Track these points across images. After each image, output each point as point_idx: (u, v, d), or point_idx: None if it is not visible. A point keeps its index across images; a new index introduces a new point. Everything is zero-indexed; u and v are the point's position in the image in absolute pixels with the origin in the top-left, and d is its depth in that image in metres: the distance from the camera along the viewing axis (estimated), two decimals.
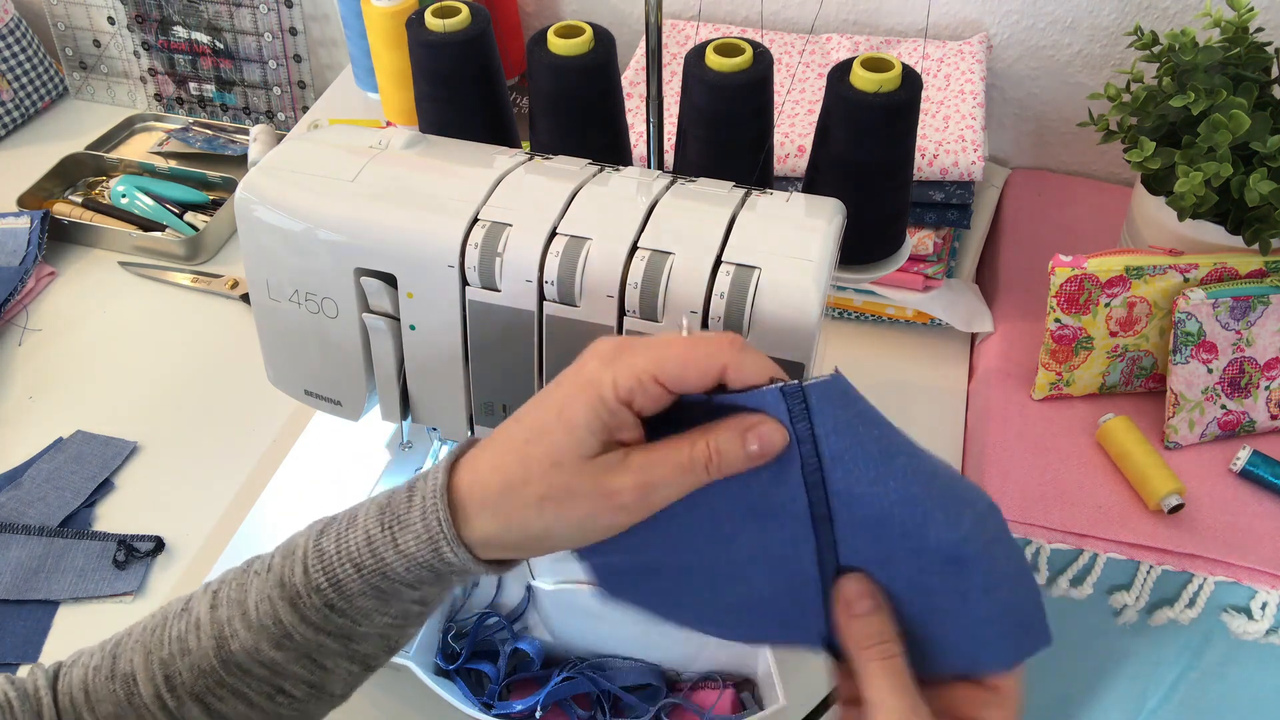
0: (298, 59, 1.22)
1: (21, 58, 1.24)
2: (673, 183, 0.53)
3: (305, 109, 1.24)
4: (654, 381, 0.40)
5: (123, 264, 1.06)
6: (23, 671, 0.47)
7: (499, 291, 0.54)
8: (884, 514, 0.40)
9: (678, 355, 0.41)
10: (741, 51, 0.60)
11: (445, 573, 0.44)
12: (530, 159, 0.55)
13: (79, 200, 1.12)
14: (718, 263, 0.48)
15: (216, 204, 1.12)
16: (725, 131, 0.62)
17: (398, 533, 0.43)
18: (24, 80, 1.25)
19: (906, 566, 0.41)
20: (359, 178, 0.53)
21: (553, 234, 0.53)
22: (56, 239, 1.08)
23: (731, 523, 0.43)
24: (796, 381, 0.40)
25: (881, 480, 0.40)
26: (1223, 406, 0.81)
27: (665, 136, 0.67)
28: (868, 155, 0.60)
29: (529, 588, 0.69)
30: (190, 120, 1.26)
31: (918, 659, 0.42)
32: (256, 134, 1.11)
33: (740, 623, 0.46)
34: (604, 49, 0.62)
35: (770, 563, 0.43)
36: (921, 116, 0.91)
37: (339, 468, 0.77)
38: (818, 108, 0.72)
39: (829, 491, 0.41)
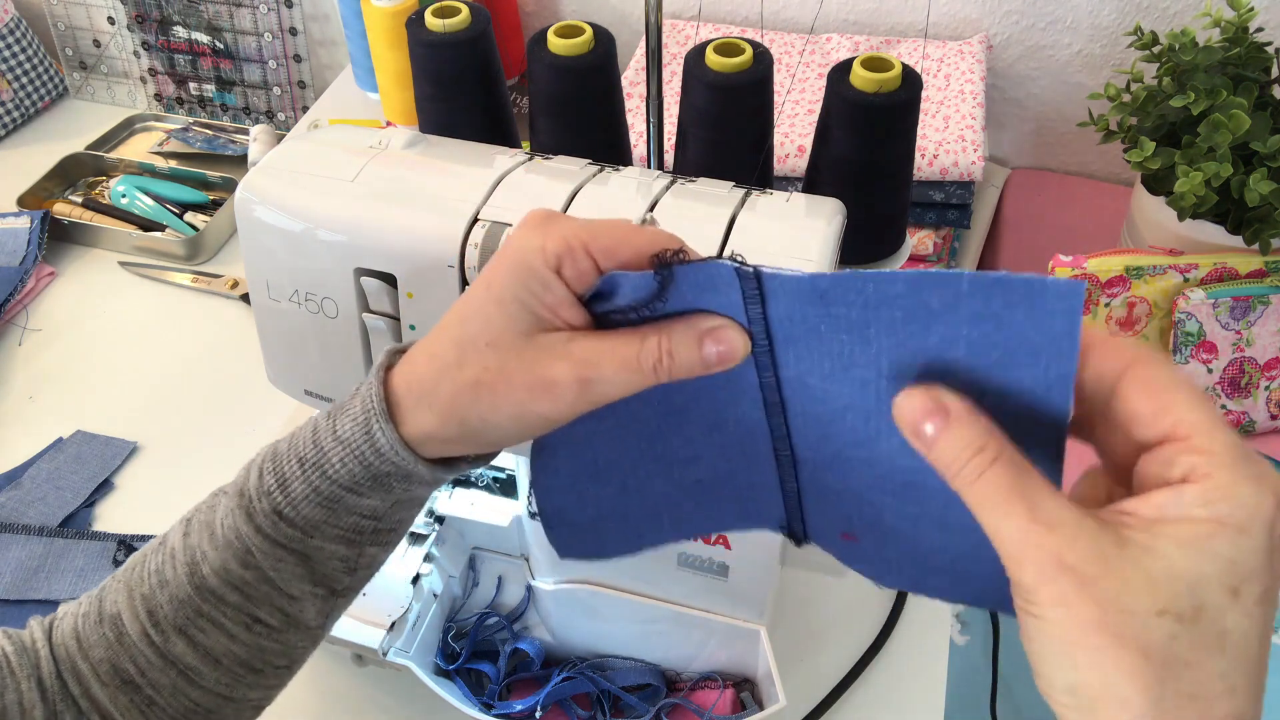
0: (298, 59, 1.22)
1: (21, 58, 1.24)
2: (673, 183, 0.53)
3: (305, 109, 1.24)
4: (585, 252, 0.38)
5: (123, 264, 1.06)
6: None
7: None
8: (835, 415, 0.37)
9: (613, 231, 0.38)
10: (741, 51, 0.60)
11: (382, 471, 0.42)
12: (530, 159, 0.55)
13: (79, 200, 1.12)
14: None
15: (216, 204, 1.12)
16: (725, 131, 0.62)
17: (338, 419, 0.42)
18: (24, 80, 1.25)
19: (860, 475, 0.38)
20: (359, 178, 0.53)
21: None
22: (56, 239, 1.08)
23: (681, 395, 0.40)
24: (752, 266, 0.35)
25: (834, 379, 0.36)
26: (1223, 406, 0.81)
27: (665, 136, 0.67)
28: (868, 155, 0.60)
29: (529, 588, 0.69)
30: (190, 120, 1.26)
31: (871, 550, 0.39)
32: (256, 134, 1.11)
33: (697, 512, 0.45)
34: (604, 49, 0.62)
35: (723, 443, 0.41)
36: (921, 116, 0.91)
37: None
38: (818, 108, 0.72)
39: (780, 376, 0.37)
